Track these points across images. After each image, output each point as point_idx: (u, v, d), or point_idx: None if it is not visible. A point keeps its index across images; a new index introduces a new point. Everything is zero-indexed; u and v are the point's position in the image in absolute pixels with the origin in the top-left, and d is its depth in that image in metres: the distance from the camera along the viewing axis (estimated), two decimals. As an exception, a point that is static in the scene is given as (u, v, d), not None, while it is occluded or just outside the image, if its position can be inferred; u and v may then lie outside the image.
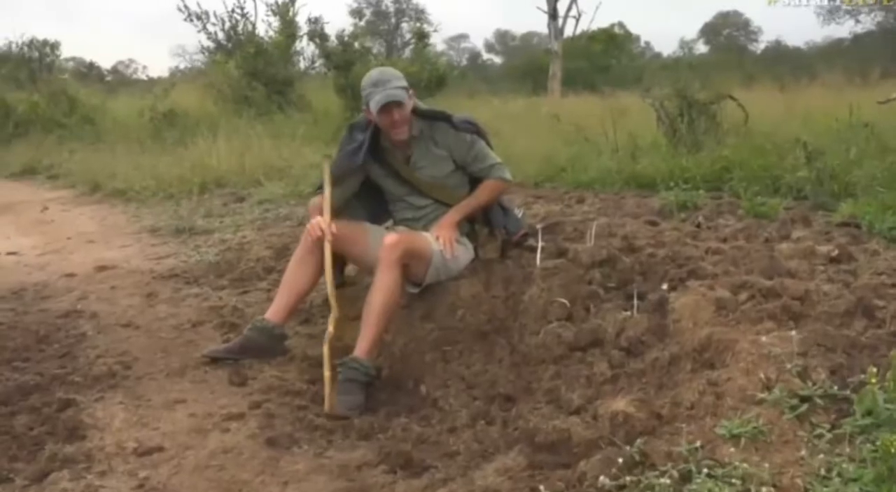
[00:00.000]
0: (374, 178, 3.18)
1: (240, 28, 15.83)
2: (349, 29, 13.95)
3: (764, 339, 2.19)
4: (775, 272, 2.71)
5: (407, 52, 18.12)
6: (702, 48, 39.41)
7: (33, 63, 16.71)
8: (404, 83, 2.97)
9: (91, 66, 39.32)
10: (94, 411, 2.48)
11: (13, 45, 17.74)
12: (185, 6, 14.91)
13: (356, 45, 12.03)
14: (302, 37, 13.12)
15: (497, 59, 45.35)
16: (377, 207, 3.29)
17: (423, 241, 2.96)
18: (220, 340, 3.16)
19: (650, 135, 7.11)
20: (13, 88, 13.88)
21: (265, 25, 14.24)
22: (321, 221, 2.84)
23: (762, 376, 2.07)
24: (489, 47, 49.85)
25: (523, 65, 31.40)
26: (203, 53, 16.97)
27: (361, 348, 2.73)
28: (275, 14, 13.72)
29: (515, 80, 27.21)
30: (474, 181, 3.20)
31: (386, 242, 2.80)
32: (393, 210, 3.26)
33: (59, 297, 3.88)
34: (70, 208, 6.86)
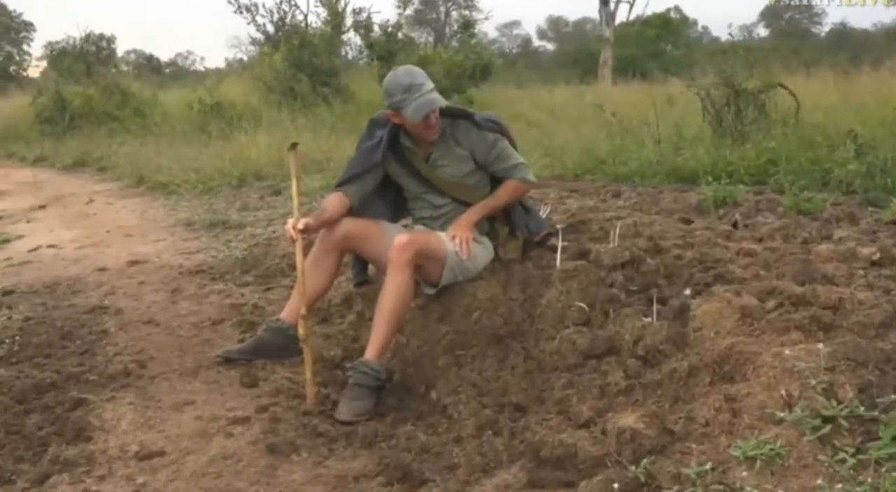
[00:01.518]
0: (394, 175, 3.11)
1: (288, 19, 15.98)
2: (394, 19, 13.88)
3: (788, 352, 2.04)
4: (809, 277, 2.54)
5: (456, 42, 17.99)
6: (762, 32, 38.16)
7: (90, 57, 17.17)
8: (431, 84, 2.86)
9: (150, 59, 40.39)
10: (102, 412, 2.49)
11: (71, 40, 18.26)
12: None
13: (399, 35, 11.96)
14: (348, 28, 13.12)
15: (550, 47, 44.87)
16: (398, 205, 3.22)
17: (436, 241, 2.88)
18: (237, 339, 3.15)
19: (696, 125, 6.88)
20: (70, 83, 14.25)
21: (314, 17, 14.37)
22: (290, 222, 2.76)
23: (784, 392, 1.93)
24: (541, 34, 49.37)
25: (574, 52, 30.93)
26: (253, 45, 17.22)
27: (371, 352, 2.66)
28: (323, 5, 13.78)
29: (566, 68, 26.83)
30: (496, 181, 3.10)
31: (396, 242, 2.73)
32: (412, 208, 3.19)
33: (89, 292, 3.94)
34: (114, 201, 7.01)
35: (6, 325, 3.42)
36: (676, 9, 30.17)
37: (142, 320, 3.42)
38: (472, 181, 3.04)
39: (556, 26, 48.90)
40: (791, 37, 32.70)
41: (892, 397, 1.82)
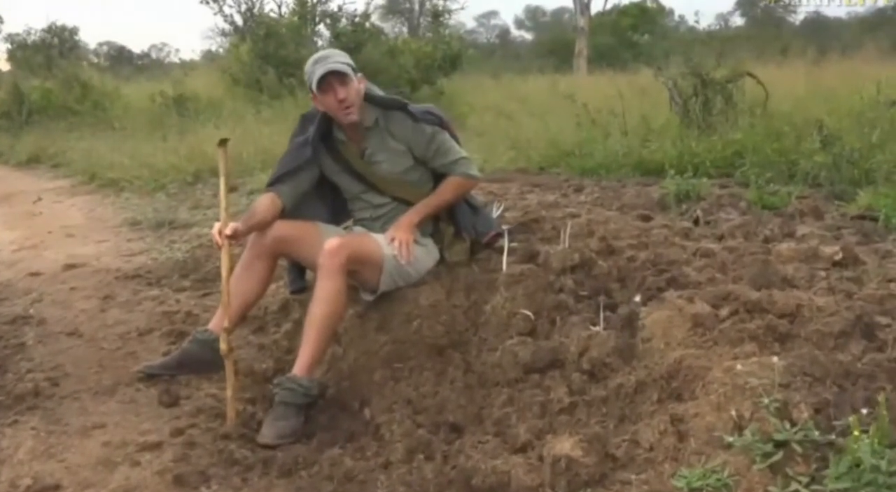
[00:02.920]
0: (329, 174, 2.90)
1: (256, 10, 15.63)
2: (362, 8, 13.64)
3: (741, 366, 1.86)
4: (767, 281, 2.37)
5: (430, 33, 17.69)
6: (738, 21, 38.08)
7: (52, 49, 16.68)
8: (349, 61, 2.69)
9: (121, 50, 39.62)
10: (0, 439, 2.26)
11: (33, 32, 17.72)
12: (202, -12, 14.76)
13: (367, 24, 11.70)
14: (315, 17, 12.82)
15: (528, 37, 44.64)
16: (337, 206, 3.01)
17: (370, 244, 2.68)
18: (163, 351, 2.93)
19: (664, 116, 6.72)
20: (30, 76, 13.82)
21: (284, 7, 14.05)
22: (217, 226, 2.55)
23: (734, 412, 1.76)
24: (519, 24, 49.12)
25: (550, 42, 30.71)
26: (222, 36, 16.85)
27: (300, 366, 2.46)
28: (289, -5, 13.49)
29: (543, 58, 26.63)
30: (439, 177, 2.90)
31: (326, 247, 2.53)
32: (351, 209, 2.98)
33: (15, 299, 3.69)
34: (63, 199, 6.72)
35: (-82, 338, 3.17)
36: (653, -2, 30.03)
37: (65, 332, 3.18)
38: (412, 178, 2.84)
39: (533, 16, 48.64)
40: (766, 25, 32.71)
41: (850, 418, 1.65)
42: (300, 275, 3.02)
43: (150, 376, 2.70)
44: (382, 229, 2.82)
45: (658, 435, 1.81)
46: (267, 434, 2.30)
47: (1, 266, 4.43)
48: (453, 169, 2.82)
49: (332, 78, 2.60)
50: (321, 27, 12.94)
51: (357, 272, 2.68)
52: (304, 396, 2.41)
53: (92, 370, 2.78)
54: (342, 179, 2.89)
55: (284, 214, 2.78)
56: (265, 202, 2.75)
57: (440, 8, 13.12)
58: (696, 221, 3.48)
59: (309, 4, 13.07)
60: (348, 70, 2.63)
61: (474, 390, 2.36)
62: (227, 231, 2.54)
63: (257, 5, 15.46)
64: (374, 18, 13.12)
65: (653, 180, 4.93)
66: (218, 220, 2.60)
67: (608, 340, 2.23)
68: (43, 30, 17.20)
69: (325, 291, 2.50)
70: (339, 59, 2.65)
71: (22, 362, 2.87)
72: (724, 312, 2.20)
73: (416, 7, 27.42)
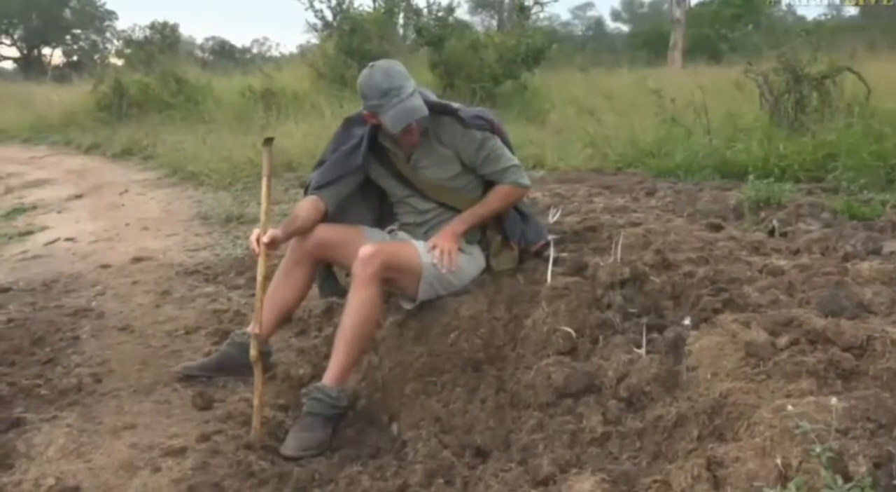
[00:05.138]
0: (375, 178, 2.81)
1: (345, 5, 15.80)
2: (455, 2, 13.45)
3: (791, 406, 1.65)
4: (838, 306, 2.12)
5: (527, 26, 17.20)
6: (852, 11, 35.78)
7: (154, 45, 17.45)
8: (413, 83, 2.53)
9: (223, 45, 41.18)
10: (35, 435, 2.30)
11: (136, 29, 18.58)
12: (293, -18, 15.02)
13: (450, 19, 11.60)
14: (400, 12, 12.83)
15: (625, 29, 43.56)
16: (384, 209, 2.93)
17: (407, 252, 2.58)
18: (205, 351, 2.93)
19: (753, 114, 6.31)
20: (133, 71, 14.47)
21: (376, 2, 14.11)
22: (255, 233, 2.47)
23: (779, 460, 1.56)
24: (616, 16, 48.02)
25: (645, 34, 29.79)
26: (312, 31, 17.14)
27: (329, 375, 2.39)
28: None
29: (637, 51, 25.87)
30: (489, 184, 2.76)
31: (360, 254, 2.44)
32: (397, 213, 2.88)
33: (82, 291, 3.80)
34: (146, 192, 6.95)
35: (-13, 327, 3.30)
36: (762, -15, 28.45)
37: (118, 326, 3.24)
38: (459, 184, 2.72)
39: (630, 7, 47.42)
40: (880, 16, 30.58)
41: (916, 477, 1.43)
42: (331, 280, 2.91)
43: (188, 377, 2.70)
44: (426, 236, 2.72)
45: (691, 480, 1.63)
46: (290, 446, 2.25)
47: (75, 257, 4.59)
48: (503, 177, 2.68)
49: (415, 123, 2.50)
50: (402, 21, 12.94)
51: (394, 280, 2.59)
52: (332, 407, 2.34)
53: (135, 368, 2.81)
54: (388, 183, 2.80)
55: (328, 217, 2.72)
56: (307, 207, 2.69)
57: (525, 1, 12.84)
58: (770, 232, 3.20)
59: (396, -1, 13.09)
60: (426, 110, 2.49)
61: (505, 411, 2.22)
62: (266, 239, 2.47)
63: (346, 1, 15.62)
64: (463, 12, 12.99)
65: (734, 184, 4.61)
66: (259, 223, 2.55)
67: (650, 365, 2.05)
68: (147, 26, 18.04)
69: (358, 300, 2.42)
70: (410, 90, 2.47)
71: (73, 356, 2.93)
72: (782, 340, 1.98)
73: (506, 0, 27.12)
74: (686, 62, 19.31)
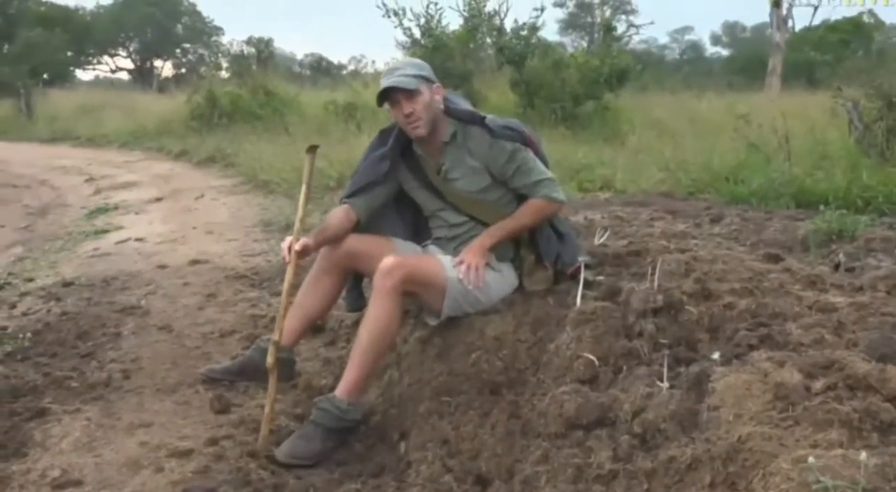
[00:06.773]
0: (408, 189, 2.76)
1: (433, 24, 15.99)
2: (540, 21, 13.39)
3: (814, 458, 1.48)
4: (890, 350, 1.91)
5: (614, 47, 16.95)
6: (970, 37, 33.53)
7: (249, 59, 18.16)
8: (422, 72, 2.52)
9: (320, 61, 42.55)
10: (55, 426, 2.35)
11: (234, 43, 19.38)
12: (383, 3, 15.31)
13: (534, 38, 11.53)
14: (483, 31, 12.86)
15: (725, 52, 42.45)
16: (419, 223, 2.87)
17: (432, 266, 2.51)
18: (233, 355, 2.94)
19: (841, 142, 5.93)
20: (225, 83, 15.10)
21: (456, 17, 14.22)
22: (288, 240, 2.46)
23: (793, 519, 1.39)
24: (715, 40, 46.88)
25: (743, 58, 28.87)
26: (401, 48, 17.42)
27: (342, 388, 2.34)
28: (466, 7, 13.60)
29: (733, 75, 25.12)
30: (523, 198, 2.67)
31: (381, 266, 2.39)
32: (431, 227, 2.82)
33: (135, 289, 3.92)
34: (220, 198, 7.17)
35: (40, 318, 3.44)
36: (870, 13, 27.11)
37: (159, 325, 3.31)
38: (490, 198, 2.63)
39: (731, 31, 46.16)
40: None
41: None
42: (354, 292, 2.87)
43: (212, 380, 2.71)
44: (456, 252, 2.64)
45: (693, 531, 1.48)
46: (282, 450, 2.22)
47: (139, 257, 4.75)
48: (535, 191, 2.58)
49: (397, 94, 2.46)
50: (489, 40, 12.95)
51: (418, 294, 2.52)
52: (339, 419, 2.29)
53: (164, 367, 2.85)
54: (420, 195, 2.74)
55: (360, 227, 2.69)
56: (339, 216, 2.68)
57: (612, 22, 12.65)
58: (836, 267, 2.95)
59: (481, 16, 13.12)
60: (413, 84, 2.47)
61: (515, 438, 2.11)
62: (297, 246, 2.47)
63: (435, 19, 15.80)
64: (552, 32, 12.90)
65: (808, 214, 4.31)
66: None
67: (669, 401, 1.89)
68: (244, 41, 18.79)
69: (375, 313, 2.36)
70: (407, 72, 2.50)
71: (109, 352, 3.01)
72: (818, 384, 1.78)
73: (598, 21, 26.87)
74: (785, 88, 18.55)
